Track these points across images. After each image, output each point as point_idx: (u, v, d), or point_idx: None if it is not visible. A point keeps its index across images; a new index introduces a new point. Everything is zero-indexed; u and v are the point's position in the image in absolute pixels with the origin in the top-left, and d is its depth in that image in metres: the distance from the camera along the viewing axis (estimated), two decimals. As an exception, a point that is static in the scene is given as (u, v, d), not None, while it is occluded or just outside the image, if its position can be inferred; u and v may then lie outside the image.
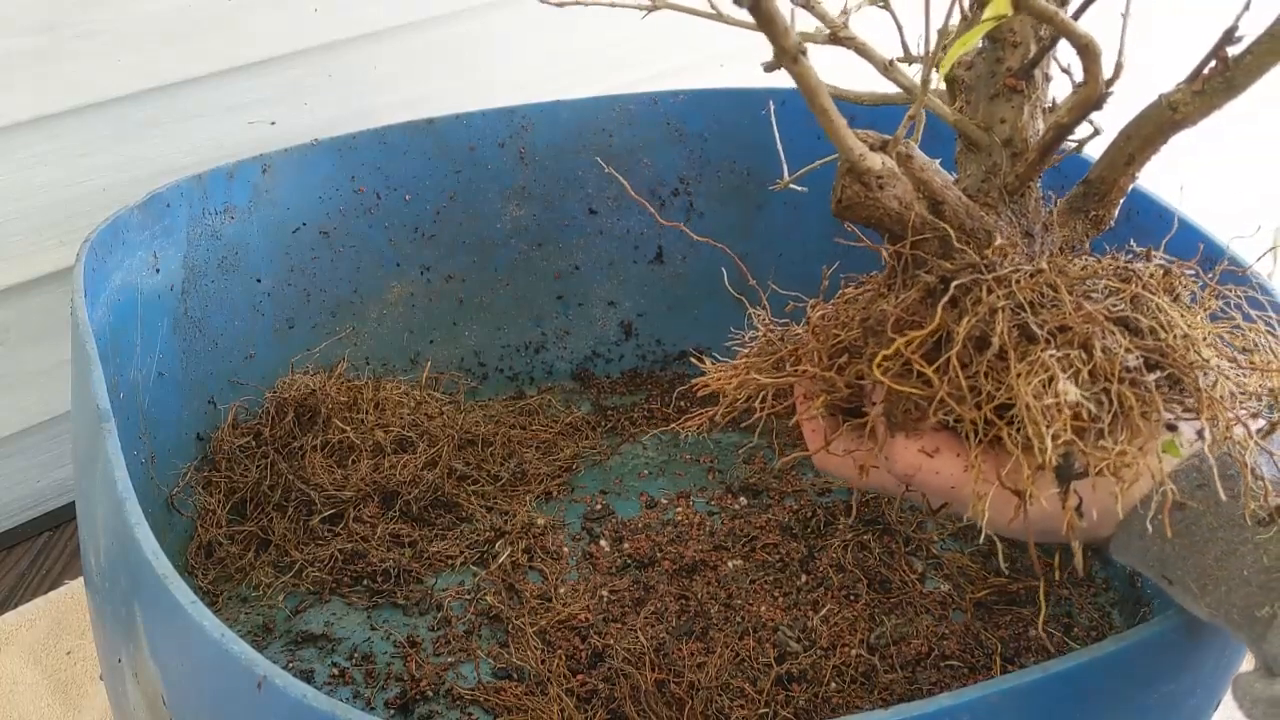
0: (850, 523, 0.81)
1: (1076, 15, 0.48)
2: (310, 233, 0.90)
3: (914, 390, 0.48)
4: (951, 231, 0.51)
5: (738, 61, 1.26)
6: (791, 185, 0.60)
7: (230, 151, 0.91)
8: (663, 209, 0.98)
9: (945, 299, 0.48)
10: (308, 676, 0.71)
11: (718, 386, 0.57)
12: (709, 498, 0.86)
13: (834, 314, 0.55)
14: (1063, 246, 0.54)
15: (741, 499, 0.85)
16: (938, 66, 0.49)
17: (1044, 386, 0.45)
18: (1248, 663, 0.46)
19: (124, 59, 0.85)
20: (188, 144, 0.91)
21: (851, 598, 0.74)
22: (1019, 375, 0.45)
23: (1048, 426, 0.44)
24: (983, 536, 0.47)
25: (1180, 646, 0.51)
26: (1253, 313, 0.50)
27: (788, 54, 0.42)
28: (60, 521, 0.94)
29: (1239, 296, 0.52)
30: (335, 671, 0.71)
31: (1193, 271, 0.52)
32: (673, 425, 0.63)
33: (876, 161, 0.50)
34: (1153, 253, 0.52)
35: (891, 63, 0.56)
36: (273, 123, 0.95)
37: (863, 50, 0.55)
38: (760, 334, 0.59)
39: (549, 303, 0.99)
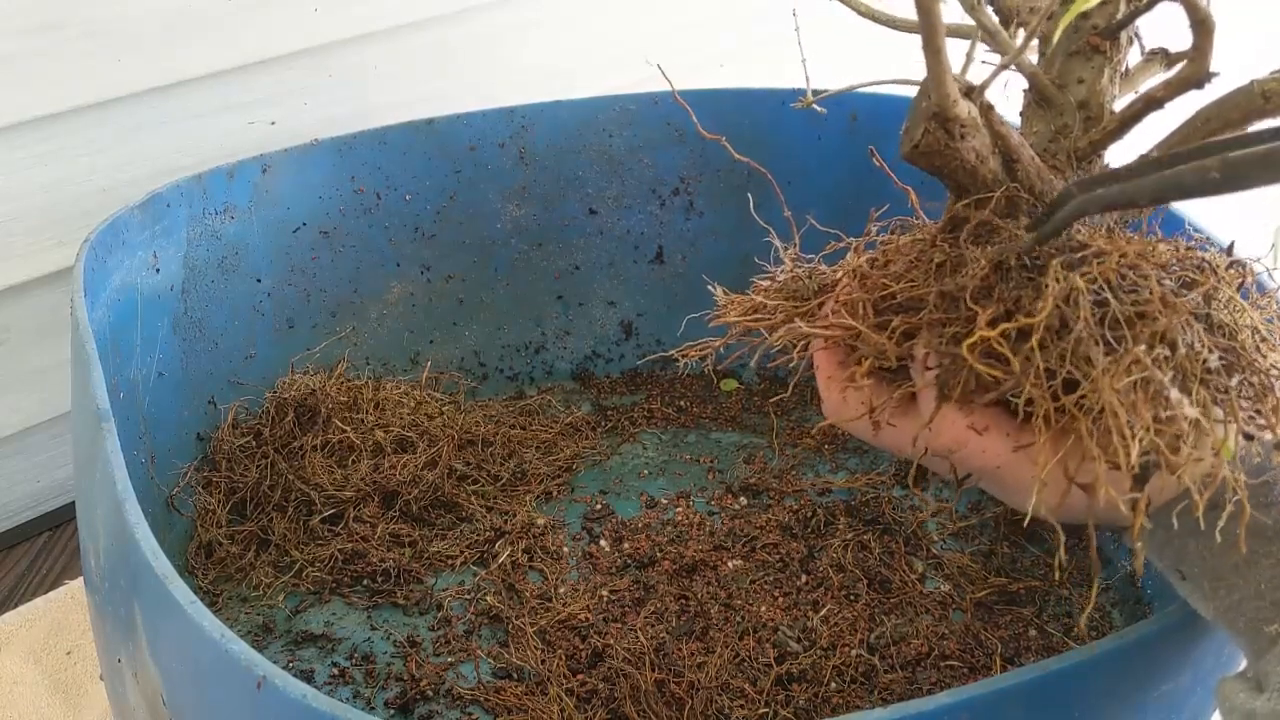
0: (850, 523, 0.81)
1: None
2: (310, 233, 0.90)
3: (996, 373, 0.45)
4: (1022, 193, 0.48)
5: (738, 61, 1.26)
6: (793, 180, 0.58)
7: (230, 151, 0.91)
8: (663, 208, 0.98)
9: (1052, 280, 0.44)
10: (308, 676, 0.71)
11: (737, 323, 0.54)
12: (709, 498, 0.86)
13: (882, 261, 0.52)
14: (1119, 220, 0.52)
15: (741, 499, 0.85)
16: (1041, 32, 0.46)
17: (1136, 388, 0.42)
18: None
19: (124, 59, 0.85)
20: (188, 144, 0.91)
21: (851, 598, 0.74)
22: (1104, 371, 0.42)
23: (1133, 432, 0.41)
24: (1026, 520, 0.44)
25: (1180, 645, 0.51)
26: None
27: None
28: (60, 521, 0.94)
29: None
30: (335, 671, 0.71)
31: (1263, 269, 0.50)
32: (673, 352, 0.60)
33: (964, 110, 0.47)
34: (1231, 246, 0.50)
35: (979, 1, 0.52)
36: (273, 123, 0.96)
37: None
38: (787, 267, 0.55)
39: (549, 303, 0.99)
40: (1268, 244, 0.56)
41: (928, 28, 0.43)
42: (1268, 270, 0.53)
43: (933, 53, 0.44)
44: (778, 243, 0.57)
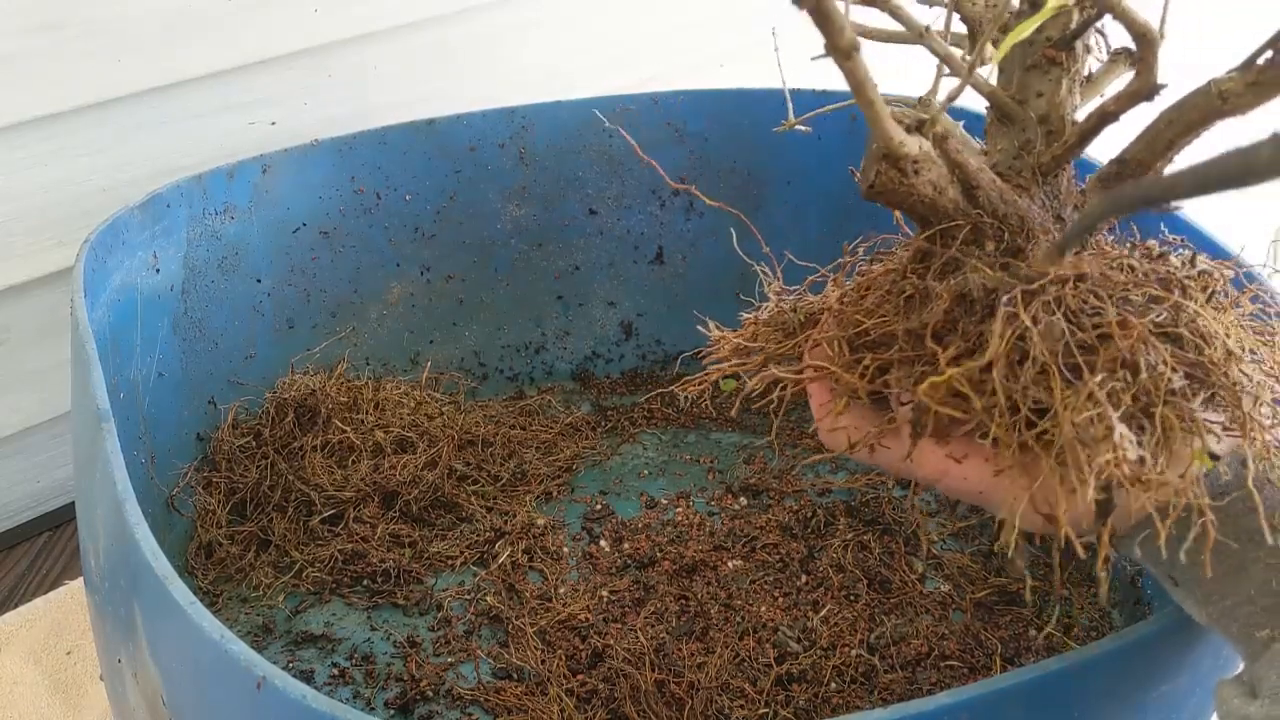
0: (850, 523, 0.81)
1: None
2: (310, 233, 0.90)
3: (956, 413, 0.45)
4: (985, 219, 0.48)
5: (738, 62, 1.26)
6: (792, 180, 0.58)
7: (230, 151, 0.91)
8: (663, 209, 0.98)
9: (999, 318, 0.44)
10: (308, 677, 0.71)
11: (723, 364, 0.54)
12: (709, 498, 0.86)
13: (855, 296, 0.52)
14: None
15: (741, 499, 0.85)
16: (992, 46, 0.47)
17: (1091, 423, 0.42)
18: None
19: (124, 59, 0.85)
20: (188, 144, 0.91)
21: (851, 598, 0.74)
22: (1064, 405, 0.42)
23: (1090, 467, 0.41)
24: (1012, 547, 0.45)
25: (1179, 646, 0.51)
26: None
27: (841, 52, 0.41)
28: (60, 521, 0.94)
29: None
30: (335, 671, 0.71)
31: (1231, 273, 0.49)
32: (673, 386, 0.60)
33: (914, 146, 0.47)
34: (1198, 257, 0.50)
35: (928, 29, 0.52)
36: (273, 123, 0.95)
37: (895, 13, 0.51)
38: (771, 302, 0.55)
39: (549, 303, 0.99)
40: (1265, 239, 0.56)
41: (855, 85, 0.42)
42: (1261, 268, 0.53)
43: (866, 104, 0.43)
44: (763, 275, 0.57)
